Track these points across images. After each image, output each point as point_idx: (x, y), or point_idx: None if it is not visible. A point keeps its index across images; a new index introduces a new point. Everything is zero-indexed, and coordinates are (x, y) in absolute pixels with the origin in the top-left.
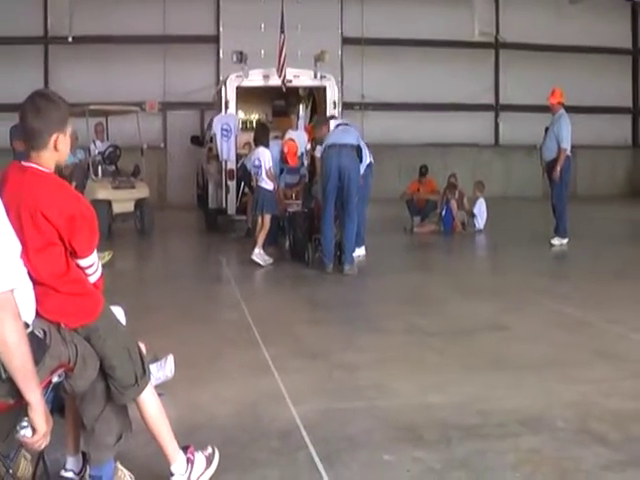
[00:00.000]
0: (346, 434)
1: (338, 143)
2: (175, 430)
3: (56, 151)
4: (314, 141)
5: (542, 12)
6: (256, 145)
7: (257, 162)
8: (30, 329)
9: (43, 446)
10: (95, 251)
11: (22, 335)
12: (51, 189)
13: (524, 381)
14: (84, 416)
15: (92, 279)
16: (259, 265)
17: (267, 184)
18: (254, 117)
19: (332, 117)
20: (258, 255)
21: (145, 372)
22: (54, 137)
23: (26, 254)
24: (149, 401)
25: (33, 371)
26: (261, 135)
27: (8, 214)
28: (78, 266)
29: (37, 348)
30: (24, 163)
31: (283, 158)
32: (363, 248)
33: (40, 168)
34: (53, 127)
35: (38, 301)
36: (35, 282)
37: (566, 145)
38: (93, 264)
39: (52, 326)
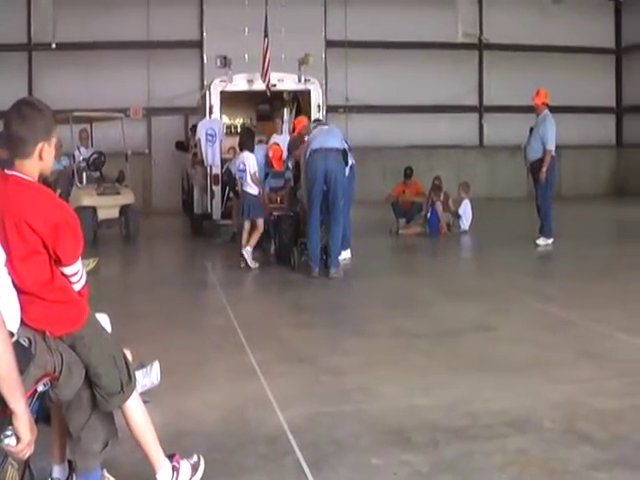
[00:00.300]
0: (333, 438)
1: (324, 147)
2: (161, 437)
3: (41, 160)
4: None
5: (525, 12)
6: (241, 149)
7: (242, 166)
8: (15, 338)
9: (27, 455)
10: (80, 259)
11: (6, 343)
12: (35, 198)
13: (510, 382)
14: (70, 424)
15: (76, 287)
16: (247, 268)
17: (252, 189)
18: (238, 122)
19: (317, 120)
20: (249, 253)
21: (131, 379)
22: (39, 146)
23: (10, 263)
24: (134, 408)
25: (18, 380)
26: (246, 139)
27: None
28: (63, 274)
29: (22, 357)
30: (7, 172)
31: (268, 162)
32: (349, 251)
33: (23, 176)
34: (39, 136)
35: (23, 309)
36: (20, 291)
37: (551, 146)
38: (77, 272)
39: (37, 335)
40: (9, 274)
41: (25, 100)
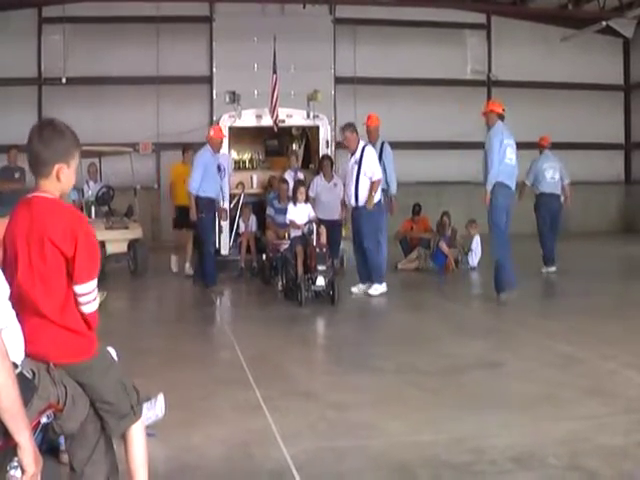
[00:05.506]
0: (337, 473)
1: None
2: (165, 470)
3: (58, 181)
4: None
5: (533, 50)
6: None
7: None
8: (19, 370)
9: None
10: (95, 282)
11: (10, 375)
12: (55, 211)
13: (516, 418)
14: (73, 459)
15: (86, 309)
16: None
17: (296, 232)
18: (247, 157)
19: (326, 157)
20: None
21: (139, 402)
22: (57, 167)
23: (32, 282)
24: (138, 437)
25: (22, 411)
26: (296, 193)
27: (17, 244)
28: (75, 295)
29: (25, 389)
30: (29, 195)
31: (278, 197)
32: (384, 285)
33: (45, 195)
34: (57, 157)
35: (35, 333)
36: (35, 313)
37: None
38: (90, 293)
39: (41, 367)
40: (27, 295)
41: (48, 121)
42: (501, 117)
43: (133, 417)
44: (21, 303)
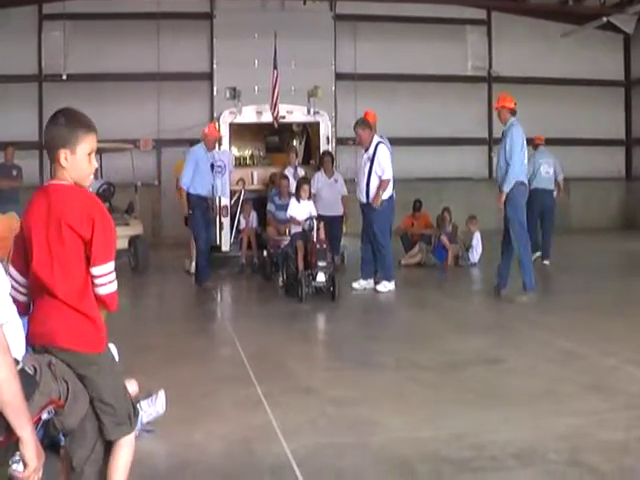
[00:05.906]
0: (338, 469)
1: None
2: (166, 466)
3: (62, 167)
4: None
5: (534, 46)
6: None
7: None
8: (20, 366)
9: None
10: (112, 265)
11: (11, 369)
12: (72, 196)
13: (517, 414)
14: (73, 457)
15: (102, 290)
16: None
17: (297, 228)
18: (248, 153)
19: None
20: None
21: (135, 413)
22: (59, 152)
23: (50, 268)
24: (126, 449)
25: (24, 406)
26: (299, 190)
27: (34, 231)
28: (92, 277)
29: (27, 385)
30: (46, 183)
31: (279, 194)
32: (393, 283)
33: (60, 182)
34: (59, 143)
35: (47, 315)
36: (51, 298)
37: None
38: (106, 275)
39: (43, 362)
40: (44, 282)
41: (63, 109)
42: (513, 112)
43: (129, 428)
44: (37, 290)
